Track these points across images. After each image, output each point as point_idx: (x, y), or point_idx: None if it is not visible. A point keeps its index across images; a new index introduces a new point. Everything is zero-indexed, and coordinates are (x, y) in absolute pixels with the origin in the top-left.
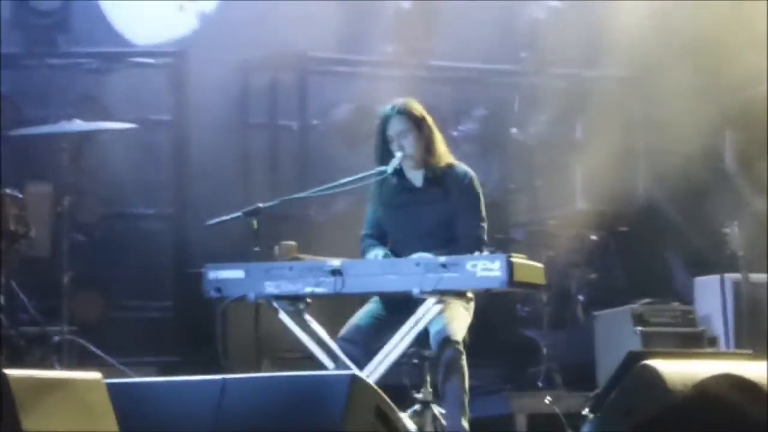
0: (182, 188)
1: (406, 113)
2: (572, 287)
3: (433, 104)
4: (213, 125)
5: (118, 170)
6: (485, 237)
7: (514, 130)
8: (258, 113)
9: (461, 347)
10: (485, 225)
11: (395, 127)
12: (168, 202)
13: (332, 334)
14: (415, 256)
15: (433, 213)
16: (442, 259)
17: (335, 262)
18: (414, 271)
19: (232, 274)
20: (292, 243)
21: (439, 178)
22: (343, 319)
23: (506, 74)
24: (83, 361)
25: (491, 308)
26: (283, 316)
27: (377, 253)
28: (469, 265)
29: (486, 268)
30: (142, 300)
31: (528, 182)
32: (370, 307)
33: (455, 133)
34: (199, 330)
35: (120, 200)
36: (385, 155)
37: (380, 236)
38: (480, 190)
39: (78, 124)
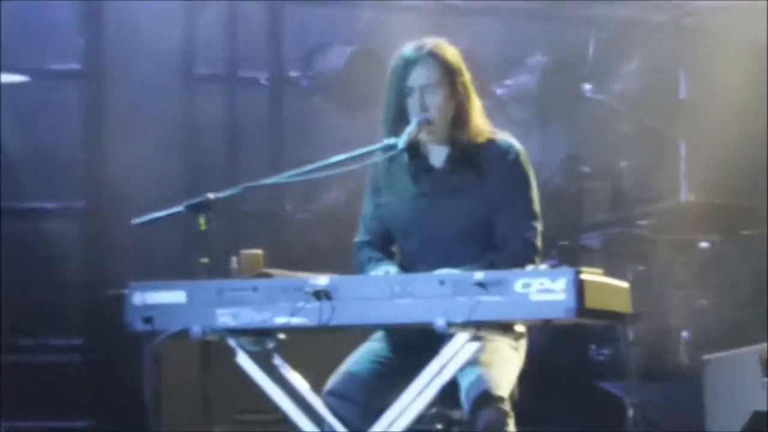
0: (97, 171)
1: (438, 59)
2: (673, 319)
3: (468, 48)
4: (143, 78)
5: (4, 144)
6: (539, 242)
7: (587, 86)
8: (210, 61)
9: (507, 406)
10: (539, 225)
11: (421, 76)
12: (77, 191)
13: (316, 386)
14: (441, 271)
15: (464, 206)
16: (479, 275)
17: (321, 280)
18: (437, 292)
19: (169, 297)
20: (258, 252)
21: (471, 155)
22: (332, 365)
23: (577, 5)
24: None
25: (552, 350)
26: (244, 360)
27: (387, 271)
28: (518, 285)
29: (544, 289)
30: (38, 337)
31: (608, 164)
32: (372, 347)
33: (500, 91)
34: (122, 380)
35: (8, 189)
36: (400, 121)
37: (383, 244)
38: (531, 172)
39: None
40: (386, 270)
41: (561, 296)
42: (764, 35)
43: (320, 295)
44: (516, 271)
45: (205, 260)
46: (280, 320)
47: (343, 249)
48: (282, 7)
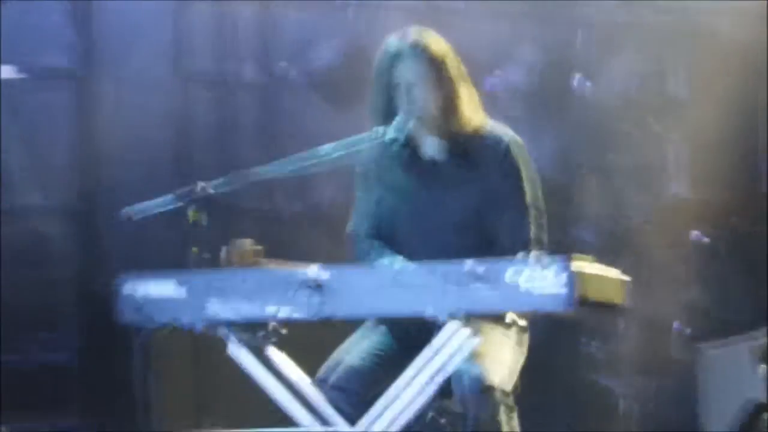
0: (90, 170)
1: (423, 51)
2: (666, 311)
3: (461, 45)
4: (134, 77)
5: None
6: (535, 233)
7: (581, 84)
8: (201, 59)
9: (498, 395)
10: (534, 215)
11: (406, 71)
12: (70, 190)
13: (309, 374)
14: None
15: (457, 198)
16: (469, 264)
17: (313, 270)
18: (428, 282)
19: (159, 289)
20: (248, 241)
21: (466, 146)
22: (324, 352)
23: (572, 5)
24: None
25: (545, 342)
26: (235, 351)
27: (395, 261)
28: (509, 275)
29: (534, 279)
30: (30, 336)
31: (602, 159)
32: (365, 336)
33: (491, 88)
34: (116, 377)
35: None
36: (389, 113)
37: (379, 234)
38: (524, 161)
39: None
40: (392, 260)
41: (553, 287)
42: (759, 36)
43: (313, 285)
44: (507, 261)
45: (195, 250)
46: (272, 310)
47: (337, 244)
48: (272, 6)
